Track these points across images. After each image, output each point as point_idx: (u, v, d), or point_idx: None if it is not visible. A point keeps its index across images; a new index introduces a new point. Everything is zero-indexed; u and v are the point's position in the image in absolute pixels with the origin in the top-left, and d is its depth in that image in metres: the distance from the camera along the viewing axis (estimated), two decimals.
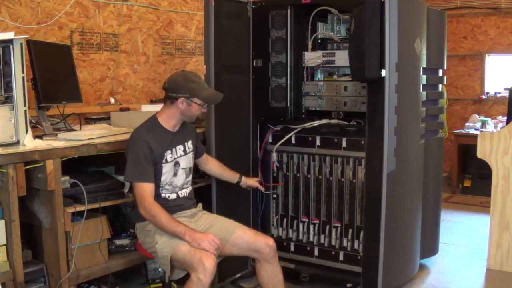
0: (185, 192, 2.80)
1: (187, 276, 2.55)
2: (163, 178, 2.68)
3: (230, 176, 3.08)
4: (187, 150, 2.81)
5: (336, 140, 3.28)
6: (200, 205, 2.92)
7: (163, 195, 2.70)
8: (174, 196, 2.74)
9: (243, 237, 2.73)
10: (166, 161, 2.69)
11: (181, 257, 2.51)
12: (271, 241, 2.75)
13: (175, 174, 2.74)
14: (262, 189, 3.23)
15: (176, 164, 2.74)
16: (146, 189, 2.56)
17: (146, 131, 2.66)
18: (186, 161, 2.80)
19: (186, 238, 2.51)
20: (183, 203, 2.76)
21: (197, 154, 2.93)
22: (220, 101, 2.78)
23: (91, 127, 3.31)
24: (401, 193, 3.10)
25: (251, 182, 3.14)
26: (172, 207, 2.70)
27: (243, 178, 3.09)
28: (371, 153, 2.98)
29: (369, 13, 2.77)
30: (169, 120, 2.71)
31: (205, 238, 2.52)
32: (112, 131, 3.10)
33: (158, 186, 2.67)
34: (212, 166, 3.06)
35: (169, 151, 2.70)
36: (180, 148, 2.76)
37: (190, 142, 2.84)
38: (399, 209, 3.08)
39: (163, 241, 2.57)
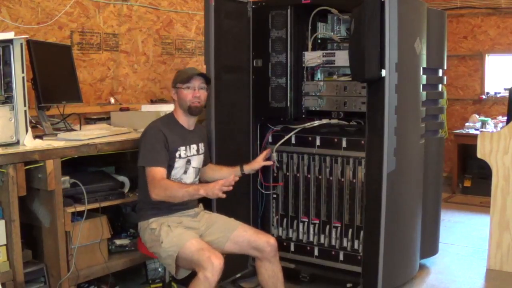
0: None
1: (188, 277, 2.56)
2: (173, 172, 2.70)
3: (232, 172, 2.96)
4: (200, 151, 2.85)
5: (336, 140, 3.28)
6: (201, 205, 2.93)
7: None
8: None
9: (244, 235, 2.73)
10: (180, 157, 2.72)
11: (188, 256, 2.50)
12: (272, 240, 2.75)
13: (185, 172, 2.76)
14: (271, 162, 3.11)
15: (188, 162, 2.77)
16: (157, 171, 2.59)
17: (161, 123, 2.75)
18: (198, 161, 2.84)
19: (201, 192, 2.53)
20: (186, 202, 2.76)
21: (204, 162, 2.94)
22: (196, 73, 2.75)
23: (91, 127, 3.31)
24: (401, 193, 3.10)
25: (256, 164, 3.04)
26: (176, 205, 2.71)
27: (245, 166, 3.00)
28: (371, 153, 2.98)
29: (369, 13, 2.77)
30: (180, 116, 2.79)
31: (215, 186, 2.51)
32: (112, 131, 3.10)
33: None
34: (210, 171, 3.01)
35: (183, 147, 2.73)
36: (194, 147, 2.80)
37: (203, 144, 2.88)
38: (399, 209, 3.08)
39: (169, 240, 2.57)
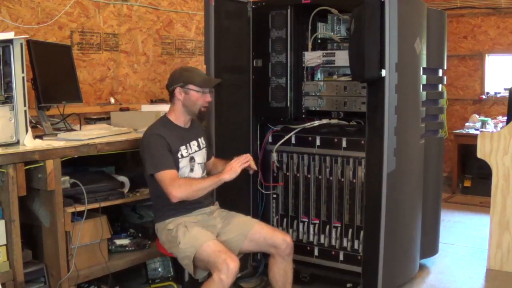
0: None
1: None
2: (180, 173, 2.69)
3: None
4: (201, 146, 2.85)
5: (336, 140, 3.28)
6: (217, 203, 2.94)
7: None
8: None
9: (261, 233, 2.74)
10: (182, 156, 2.71)
11: (205, 257, 2.51)
12: (289, 238, 2.77)
13: (191, 170, 2.76)
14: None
15: (192, 159, 2.77)
16: (172, 173, 2.58)
17: (158, 128, 2.71)
18: (201, 156, 2.84)
19: (224, 177, 2.57)
20: (202, 201, 2.76)
21: (208, 155, 2.94)
22: (216, 83, 2.77)
23: (91, 127, 3.31)
24: (401, 193, 3.10)
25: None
26: (192, 204, 2.71)
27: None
28: (371, 153, 2.98)
29: (369, 13, 2.77)
30: (178, 116, 2.76)
31: (234, 165, 2.58)
32: (112, 131, 3.10)
33: None
34: (211, 165, 3.03)
35: (183, 147, 2.73)
36: (194, 143, 2.80)
37: (202, 138, 2.88)
38: (399, 209, 3.08)
39: (186, 241, 2.57)
